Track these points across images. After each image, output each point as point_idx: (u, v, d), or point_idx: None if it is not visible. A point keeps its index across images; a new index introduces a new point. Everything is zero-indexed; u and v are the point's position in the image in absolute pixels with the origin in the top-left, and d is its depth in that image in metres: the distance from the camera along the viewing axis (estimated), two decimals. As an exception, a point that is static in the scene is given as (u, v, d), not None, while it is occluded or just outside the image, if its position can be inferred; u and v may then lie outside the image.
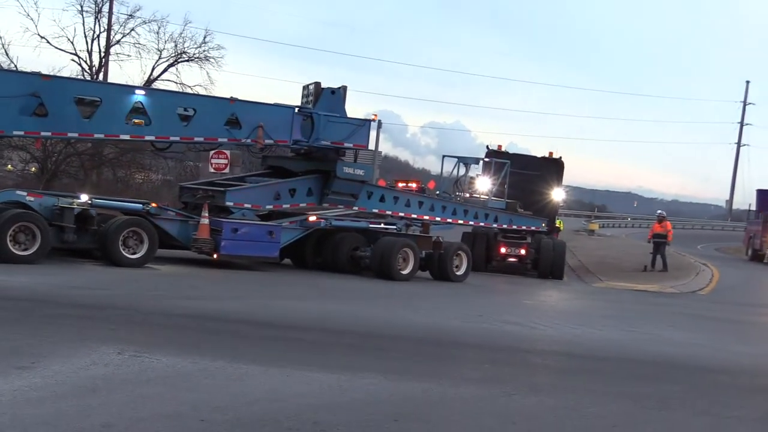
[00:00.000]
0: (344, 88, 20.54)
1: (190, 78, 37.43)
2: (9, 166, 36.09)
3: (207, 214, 17.64)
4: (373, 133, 21.61)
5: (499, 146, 27.88)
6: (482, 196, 25.11)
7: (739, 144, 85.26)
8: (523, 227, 25.51)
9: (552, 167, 27.75)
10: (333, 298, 15.77)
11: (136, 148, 30.73)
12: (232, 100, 18.68)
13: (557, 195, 28.02)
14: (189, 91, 33.22)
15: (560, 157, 27.95)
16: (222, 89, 49.16)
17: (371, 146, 21.55)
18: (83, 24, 33.89)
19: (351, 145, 20.37)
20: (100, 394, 6.85)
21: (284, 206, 19.83)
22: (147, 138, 18.29)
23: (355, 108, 21.46)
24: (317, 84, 20.34)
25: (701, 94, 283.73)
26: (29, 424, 5.94)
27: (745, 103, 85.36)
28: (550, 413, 7.90)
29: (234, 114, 18.50)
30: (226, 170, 26.18)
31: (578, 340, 13.08)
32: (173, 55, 35.36)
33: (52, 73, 19.48)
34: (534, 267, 25.84)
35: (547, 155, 27.95)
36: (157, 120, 17.56)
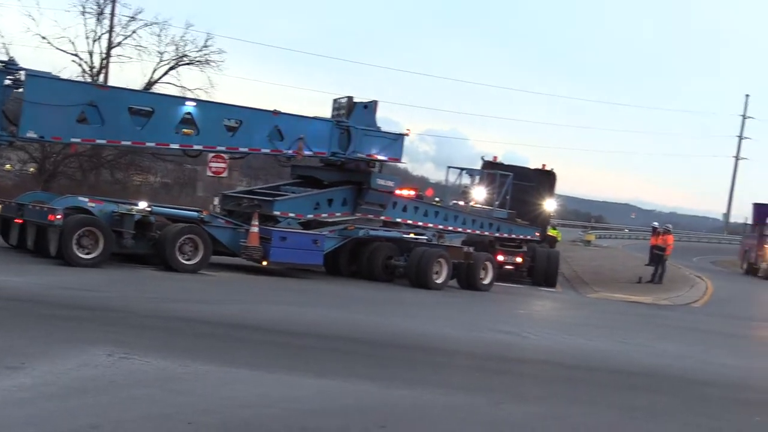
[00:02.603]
0: (375, 102, 21.46)
1: (190, 81, 37.31)
2: (8, 165, 36.20)
3: (257, 223, 18.16)
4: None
5: (495, 157, 28.49)
6: (486, 207, 25.67)
7: (737, 157, 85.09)
8: (521, 236, 25.94)
9: (545, 178, 28.63)
10: (335, 305, 15.78)
11: (134, 151, 30.77)
12: (276, 112, 19.49)
13: (549, 205, 28.77)
14: (189, 94, 33.32)
15: (552, 169, 28.88)
16: (222, 93, 49.27)
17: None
18: (85, 25, 33.96)
19: (386, 158, 21.41)
20: (88, 395, 6.89)
21: (323, 215, 20.45)
22: (195, 147, 18.98)
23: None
24: (350, 98, 21.23)
25: (702, 106, 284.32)
26: (16, 425, 5.98)
27: (744, 117, 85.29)
28: (538, 422, 7.94)
29: (277, 126, 19.31)
30: (224, 174, 26.25)
31: (569, 350, 13.12)
32: (174, 58, 35.35)
33: (109, 84, 20.13)
34: (529, 274, 26.36)
35: (540, 167, 28.77)
36: (205, 130, 18.34)
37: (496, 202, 25.83)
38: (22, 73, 16.49)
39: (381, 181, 21.04)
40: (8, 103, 16.60)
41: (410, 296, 18.72)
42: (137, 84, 33.50)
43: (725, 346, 16.64)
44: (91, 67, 33.86)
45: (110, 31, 34.20)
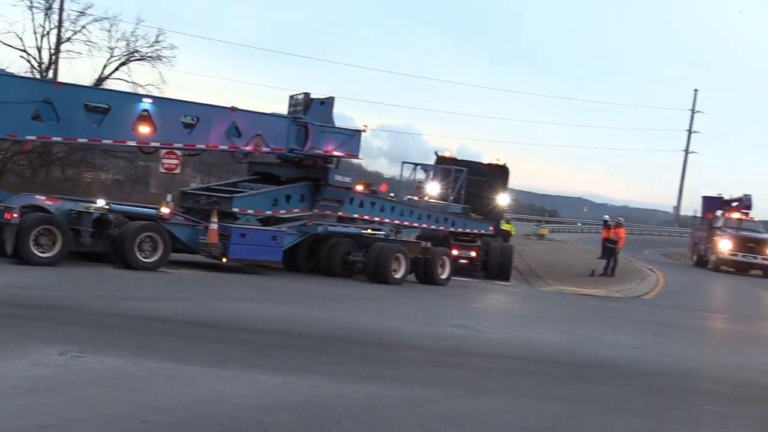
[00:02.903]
0: (332, 99, 21.53)
1: (142, 77, 36.94)
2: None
3: (216, 220, 18.17)
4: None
5: (448, 153, 28.82)
6: (440, 201, 25.88)
7: (687, 151, 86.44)
8: (475, 230, 26.14)
9: (498, 173, 28.99)
10: (292, 301, 15.71)
11: (86, 147, 30.39)
12: (233, 109, 19.42)
13: (503, 200, 29.19)
14: (141, 90, 33.00)
15: (505, 164, 29.21)
16: (175, 89, 48.79)
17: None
18: (33, 20, 33.41)
19: (344, 154, 21.48)
20: (40, 394, 6.82)
21: (281, 212, 20.40)
22: (153, 144, 18.83)
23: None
24: (306, 95, 21.24)
25: (653, 101, 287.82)
26: (-33, 425, 5.90)
27: (693, 112, 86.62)
28: (492, 415, 8.03)
29: (234, 122, 19.26)
30: (177, 171, 25.98)
31: (523, 343, 13.26)
32: (125, 53, 34.98)
33: (64, 81, 19.93)
34: (483, 268, 26.55)
35: (493, 161, 29.15)
36: (163, 127, 18.20)
37: (451, 197, 26.01)
38: None
39: (339, 177, 21.09)
40: None
41: (368, 292, 18.75)
42: (88, 80, 33.09)
43: (676, 337, 16.91)
44: (40, 63, 33.38)
45: (59, 26, 33.72)
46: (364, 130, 22.10)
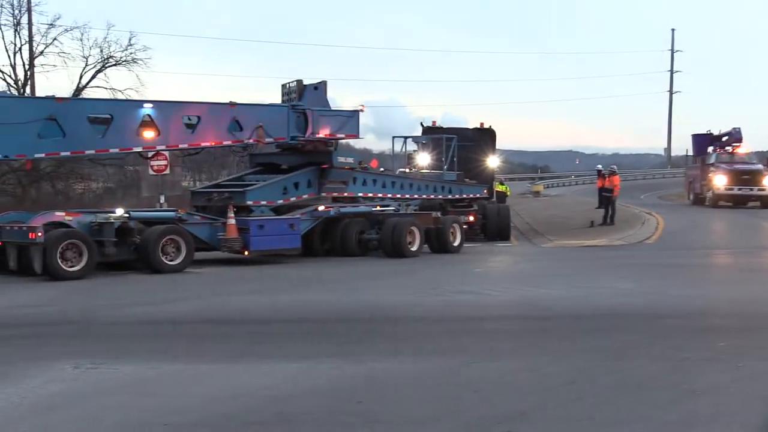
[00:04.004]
0: (324, 83, 21.93)
1: (119, 82, 36.86)
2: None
3: (233, 215, 18.51)
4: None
5: (434, 122, 29.20)
6: (435, 171, 26.19)
7: (671, 92, 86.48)
8: (470, 195, 26.40)
9: (485, 136, 29.49)
10: (301, 287, 15.64)
11: (73, 159, 30.29)
12: (232, 104, 19.90)
13: (492, 162, 29.69)
14: (120, 95, 32.90)
15: (491, 126, 29.69)
16: (153, 90, 48.49)
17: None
18: (2, 38, 33.21)
19: (344, 136, 21.97)
20: (58, 411, 6.79)
21: (291, 199, 20.82)
22: (158, 148, 19.60)
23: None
24: (299, 81, 21.65)
25: (630, 46, 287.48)
26: (-11, 450, 5.88)
27: (672, 51, 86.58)
28: (510, 377, 8.01)
29: (235, 117, 19.67)
30: (167, 171, 25.93)
31: (532, 301, 13.22)
32: (100, 60, 34.92)
33: (65, 96, 20.33)
34: (482, 231, 26.82)
35: (479, 125, 29.53)
36: (166, 130, 18.57)
37: (445, 166, 26.20)
38: None
39: (342, 159, 21.47)
40: None
41: (382, 268, 18.96)
42: (66, 92, 32.94)
43: (682, 277, 16.87)
44: (16, 80, 33.23)
45: (30, 41, 33.55)
46: (361, 110, 22.53)
